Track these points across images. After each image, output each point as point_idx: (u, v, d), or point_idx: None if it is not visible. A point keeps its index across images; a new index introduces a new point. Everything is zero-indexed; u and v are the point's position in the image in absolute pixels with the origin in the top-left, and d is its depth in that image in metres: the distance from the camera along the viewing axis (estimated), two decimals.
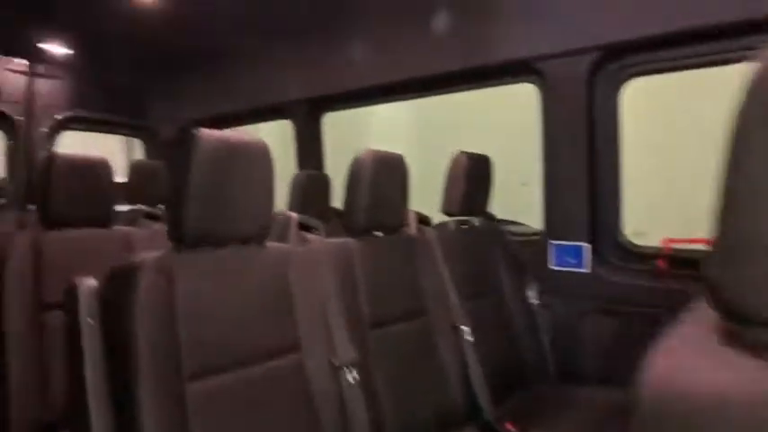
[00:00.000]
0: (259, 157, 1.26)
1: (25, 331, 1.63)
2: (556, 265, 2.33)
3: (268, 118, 3.60)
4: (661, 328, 0.47)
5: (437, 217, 2.18)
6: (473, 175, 2.14)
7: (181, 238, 1.16)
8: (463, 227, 2.19)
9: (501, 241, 2.35)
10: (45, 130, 3.44)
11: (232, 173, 1.20)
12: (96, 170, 1.87)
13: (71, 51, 3.31)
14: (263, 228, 1.30)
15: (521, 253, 2.40)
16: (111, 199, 1.94)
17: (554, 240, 2.34)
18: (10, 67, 3.27)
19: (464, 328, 1.83)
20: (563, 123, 2.26)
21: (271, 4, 2.66)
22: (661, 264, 2.18)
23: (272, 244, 1.35)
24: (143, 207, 2.93)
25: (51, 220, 1.79)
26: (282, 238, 1.47)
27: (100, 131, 3.90)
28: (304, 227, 1.52)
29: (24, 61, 3.33)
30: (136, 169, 3.10)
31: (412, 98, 2.87)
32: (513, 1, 2.29)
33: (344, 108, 3.19)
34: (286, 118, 3.35)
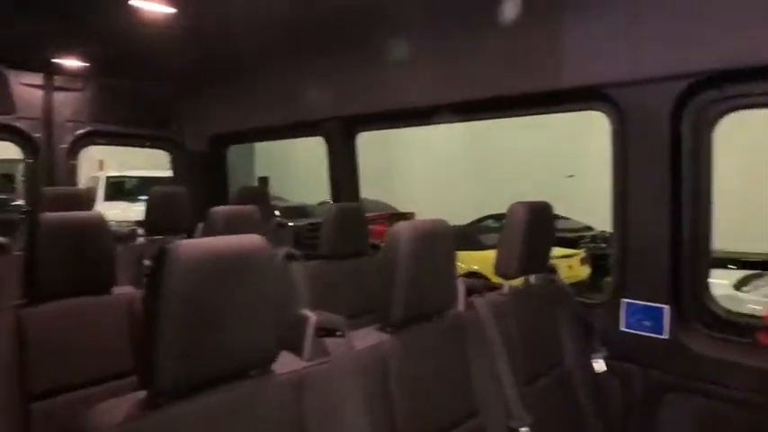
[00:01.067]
0: (259, 261, 0.99)
1: (10, 429, 1.39)
2: (628, 327, 1.99)
3: (300, 134, 3.36)
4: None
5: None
6: (533, 228, 1.81)
7: (157, 390, 0.89)
8: (520, 289, 1.87)
9: (563, 301, 2.02)
10: (65, 146, 3.27)
11: (223, 293, 0.93)
12: (91, 227, 1.61)
13: (88, 63, 3.10)
14: (267, 354, 1.04)
15: (586, 313, 2.07)
16: (112, 259, 1.67)
17: (627, 299, 1.99)
18: (24, 81, 3.08)
19: (523, 430, 1.53)
20: (641, 162, 1.91)
21: (304, 17, 2.39)
22: (764, 338, 1.81)
23: (280, 368, 1.07)
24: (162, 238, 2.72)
25: (39, 293, 1.53)
26: (298, 347, 1.18)
27: (124, 145, 3.74)
28: (324, 329, 1.22)
29: (39, 74, 3.14)
30: (155, 196, 2.87)
31: (459, 121, 2.54)
32: (585, 22, 1.93)
33: (381, 128, 2.89)
34: (319, 135, 3.09)
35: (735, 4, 1.64)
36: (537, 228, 1.85)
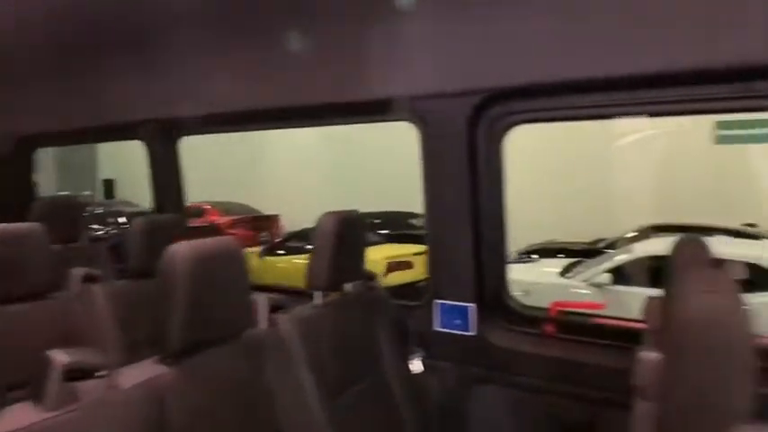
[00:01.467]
0: None
1: None
2: (441, 327, 2.10)
3: (117, 137, 3.04)
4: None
5: None
6: (344, 238, 1.81)
7: None
8: (334, 300, 1.86)
9: (380, 306, 2.05)
10: None
11: None
12: None
13: None
14: None
15: (403, 316, 2.13)
16: None
17: (439, 300, 2.09)
18: None
19: None
20: (445, 170, 2.02)
21: (111, 11, 2.14)
22: (548, 329, 2.01)
23: (12, 424, 0.92)
24: None
25: None
26: (40, 395, 1.02)
27: None
28: (80, 371, 1.07)
29: None
30: None
31: (279, 127, 2.49)
32: (390, 38, 1.99)
33: (203, 133, 2.73)
34: (137, 139, 2.82)
35: (516, 28, 1.79)
36: (349, 237, 1.85)
